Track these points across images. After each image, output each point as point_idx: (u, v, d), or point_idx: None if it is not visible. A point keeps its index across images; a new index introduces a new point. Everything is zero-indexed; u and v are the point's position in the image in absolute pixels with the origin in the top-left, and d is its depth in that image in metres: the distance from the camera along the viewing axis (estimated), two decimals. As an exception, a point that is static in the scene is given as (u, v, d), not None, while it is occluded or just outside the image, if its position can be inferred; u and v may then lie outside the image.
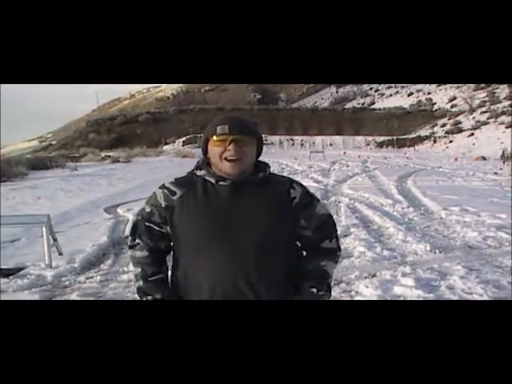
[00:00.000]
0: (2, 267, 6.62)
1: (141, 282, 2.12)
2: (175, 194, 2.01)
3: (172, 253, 2.11)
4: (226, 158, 1.92)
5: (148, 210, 2.07)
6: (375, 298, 5.10)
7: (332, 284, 2.14)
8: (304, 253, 2.13)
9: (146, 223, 2.08)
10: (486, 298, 5.04)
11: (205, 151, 2.04)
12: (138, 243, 2.11)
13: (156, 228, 2.06)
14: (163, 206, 2.02)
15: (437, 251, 7.15)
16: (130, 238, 2.15)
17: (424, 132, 59.35)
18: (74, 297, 5.43)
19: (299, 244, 2.12)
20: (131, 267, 2.29)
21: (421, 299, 4.96)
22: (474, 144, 46.29)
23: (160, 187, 2.07)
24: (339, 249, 2.15)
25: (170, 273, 2.14)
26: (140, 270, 2.11)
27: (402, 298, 5.10)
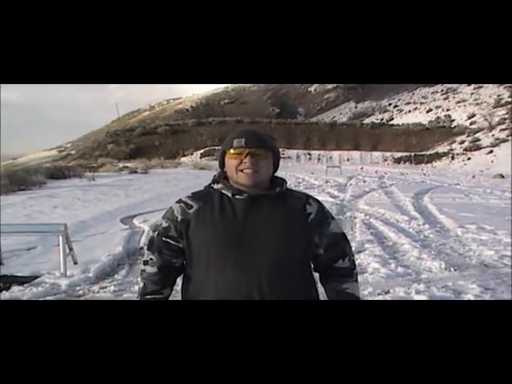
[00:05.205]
0: (18, 275, 6.70)
1: (138, 298, 2.10)
2: (191, 207, 2.00)
3: (185, 269, 2.08)
4: (241, 170, 1.93)
5: (165, 224, 2.05)
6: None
7: None
8: (318, 275, 2.11)
9: (163, 238, 2.05)
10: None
11: (222, 164, 2.04)
12: (152, 259, 2.08)
13: (173, 243, 2.03)
14: (179, 219, 2.00)
15: (452, 269, 7.08)
16: (145, 253, 2.12)
17: (442, 149, 58.93)
18: (87, 306, 5.44)
19: (312, 265, 2.10)
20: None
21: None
22: (492, 161, 45.86)
23: (177, 201, 2.05)
24: (354, 267, 2.12)
25: (181, 288, 2.10)
26: (142, 285, 2.09)
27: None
